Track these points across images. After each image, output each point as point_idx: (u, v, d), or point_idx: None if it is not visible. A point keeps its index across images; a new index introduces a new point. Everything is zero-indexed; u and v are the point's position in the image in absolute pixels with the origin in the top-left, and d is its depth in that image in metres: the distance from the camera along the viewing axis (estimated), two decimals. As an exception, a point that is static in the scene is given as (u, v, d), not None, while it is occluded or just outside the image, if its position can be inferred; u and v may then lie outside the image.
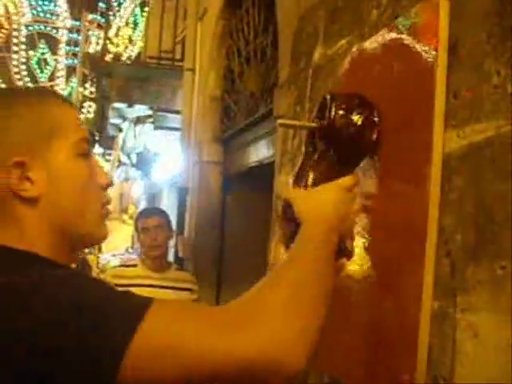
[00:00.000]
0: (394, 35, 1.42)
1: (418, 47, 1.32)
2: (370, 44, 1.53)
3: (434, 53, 1.27)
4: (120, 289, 3.51)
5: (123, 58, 10.59)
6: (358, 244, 1.45)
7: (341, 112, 1.23)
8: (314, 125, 1.25)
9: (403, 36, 1.39)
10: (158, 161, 8.13)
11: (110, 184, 1.14)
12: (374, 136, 1.27)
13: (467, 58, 1.23)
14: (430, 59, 1.28)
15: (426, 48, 1.30)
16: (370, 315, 1.38)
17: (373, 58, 1.50)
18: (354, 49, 1.63)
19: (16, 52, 19.92)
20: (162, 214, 3.68)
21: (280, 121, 1.42)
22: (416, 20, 1.35)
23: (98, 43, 15.50)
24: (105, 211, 1.13)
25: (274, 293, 0.99)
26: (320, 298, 1.03)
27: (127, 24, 12.44)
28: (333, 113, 1.22)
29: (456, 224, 1.22)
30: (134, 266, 3.54)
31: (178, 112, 6.37)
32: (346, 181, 1.21)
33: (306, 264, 1.06)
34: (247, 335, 0.93)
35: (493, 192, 1.14)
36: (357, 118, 1.24)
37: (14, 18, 19.86)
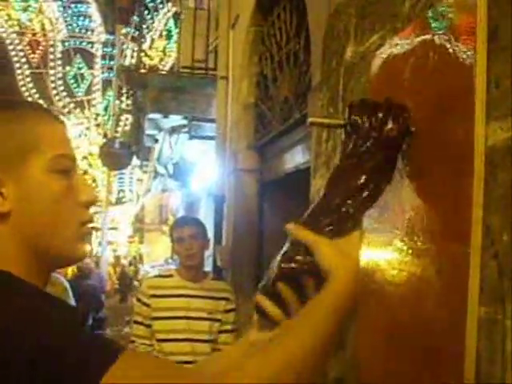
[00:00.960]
0: (428, 25, 1.35)
1: (456, 36, 1.24)
2: (403, 37, 1.46)
3: (472, 40, 1.19)
4: (157, 300, 3.44)
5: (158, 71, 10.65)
6: (397, 247, 1.37)
7: (360, 110, 1.21)
8: (341, 121, 1.23)
9: (439, 26, 1.31)
10: (194, 170, 8.13)
11: (93, 201, 1.09)
12: (395, 132, 1.22)
13: (509, 43, 1.15)
14: (468, 48, 1.20)
15: (464, 36, 1.22)
16: (410, 323, 1.29)
17: (407, 50, 1.42)
18: (387, 43, 1.56)
19: (52, 68, 20.24)
20: (197, 222, 3.63)
21: (310, 119, 1.36)
22: (452, 7, 1.28)
23: (132, 56, 15.63)
24: (85, 230, 1.08)
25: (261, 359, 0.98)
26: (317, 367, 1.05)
27: (161, 36, 12.52)
28: (353, 112, 1.21)
29: (503, 223, 1.13)
30: (170, 276, 3.49)
31: (212, 121, 6.36)
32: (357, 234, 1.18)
33: (319, 337, 1.05)
34: None
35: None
36: (376, 114, 1.21)
37: (50, 34, 20.20)
